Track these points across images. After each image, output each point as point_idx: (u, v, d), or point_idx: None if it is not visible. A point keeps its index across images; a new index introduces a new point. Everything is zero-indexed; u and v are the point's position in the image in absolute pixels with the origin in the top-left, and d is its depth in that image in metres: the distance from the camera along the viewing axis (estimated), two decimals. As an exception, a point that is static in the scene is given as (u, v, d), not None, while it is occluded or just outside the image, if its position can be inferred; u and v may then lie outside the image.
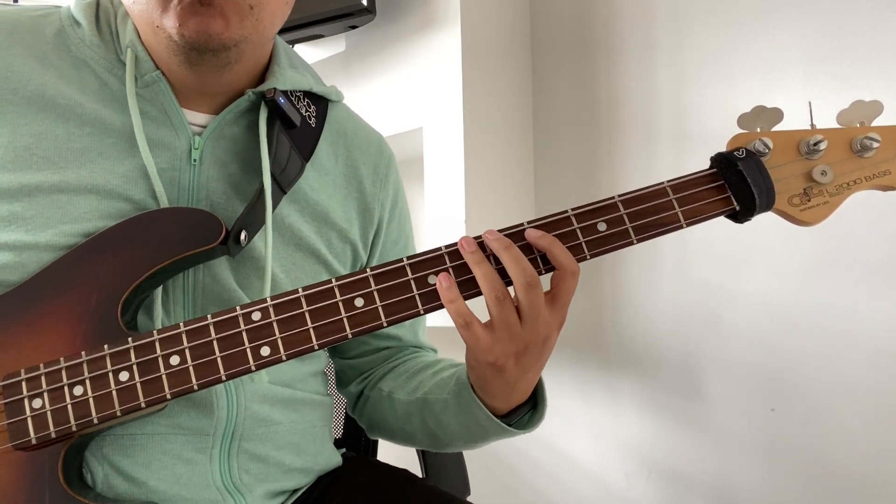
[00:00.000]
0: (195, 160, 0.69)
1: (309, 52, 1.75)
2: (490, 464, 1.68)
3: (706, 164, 0.70)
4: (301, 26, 1.51)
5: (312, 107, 0.79)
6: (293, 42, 1.61)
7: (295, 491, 0.78)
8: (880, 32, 1.10)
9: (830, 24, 1.16)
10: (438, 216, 1.48)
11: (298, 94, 0.78)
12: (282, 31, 1.50)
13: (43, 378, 0.60)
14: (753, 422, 1.25)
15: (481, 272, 0.63)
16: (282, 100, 0.71)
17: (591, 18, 1.50)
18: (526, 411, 0.73)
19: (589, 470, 1.50)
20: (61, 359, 0.60)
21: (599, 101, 1.48)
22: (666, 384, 1.37)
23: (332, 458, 0.83)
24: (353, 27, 1.53)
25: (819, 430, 1.17)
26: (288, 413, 0.75)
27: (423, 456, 1.04)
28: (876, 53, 1.11)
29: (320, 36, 1.57)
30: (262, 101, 0.71)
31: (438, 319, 1.44)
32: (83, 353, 0.60)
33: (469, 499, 1.02)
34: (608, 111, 1.46)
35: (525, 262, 0.63)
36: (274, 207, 0.71)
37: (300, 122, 0.76)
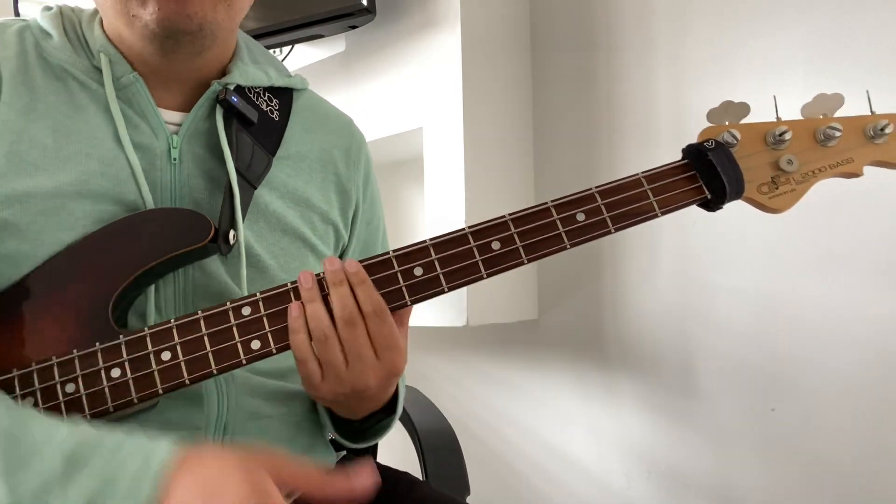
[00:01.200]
0: (175, 159, 0.70)
1: (309, 52, 1.76)
2: (490, 464, 1.68)
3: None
4: (301, 26, 1.51)
5: (275, 100, 0.80)
6: (293, 42, 1.61)
7: (294, 488, 0.78)
8: (880, 32, 1.10)
9: (830, 24, 1.15)
10: (438, 216, 1.48)
11: (258, 89, 0.78)
12: (282, 31, 1.52)
13: (35, 376, 0.60)
14: (752, 421, 1.24)
15: (310, 310, 0.63)
16: (234, 99, 0.72)
17: (591, 18, 1.49)
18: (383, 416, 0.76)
19: (589, 470, 1.49)
20: (53, 357, 0.60)
21: (599, 100, 1.48)
22: (665, 384, 1.36)
23: (326, 454, 0.83)
24: (353, 27, 1.53)
25: (818, 430, 1.16)
26: (279, 406, 0.75)
27: (423, 456, 1.03)
28: (876, 53, 1.10)
29: (320, 36, 1.57)
30: (217, 102, 0.72)
31: (435, 320, 1.44)
32: (74, 350, 0.61)
33: (469, 499, 1.02)
34: (608, 111, 1.46)
35: (348, 300, 0.62)
36: (248, 204, 0.72)
37: (259, 119, 0.76)
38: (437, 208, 1.48)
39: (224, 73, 0.75)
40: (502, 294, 1.49)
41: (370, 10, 1.45)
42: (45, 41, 0.69)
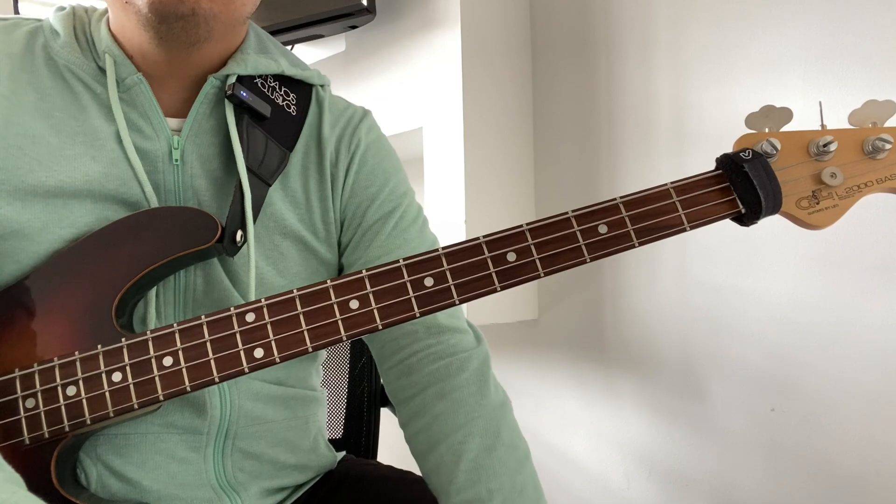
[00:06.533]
0: (177, 160, 0.69)
1: (309, 52, 1.76)
2: (490, 464, 1.68)
3: (706, 163, 0.68)
4: (301, 26, 1.51)
5: (291, 95, 0.77)
6: (293, 42, 1.61)
7: (298, 488, 0.79)
8: (880, 32, 1.10)
9: (830, 24, 1.15)
10: (438, 216, 1.48)
11: (273, 83, 0.76)
12: (282, 31, 1.52)
13: (36, 377, 0.60)
14: (753, 421, 1.24)
15: None
16: (244, 94, 0.70)
17: (591, 18, 1.49)
18: None
19: (589, 470, 1.49)
20: (55, 358, 0.60)
21: (599, 100, 1.48)
22: (666, 384, 1.36)
23: (327, 454, 0.83)
24: (353, 27, 1.53)
25: (819, 430, 1.16)
26: (281, 410, 0.75)
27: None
28: (876, 53, 1.10)
29: (320, 36, 1.58)
30: (226, 98, 0.70)
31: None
32: (76, 352, 0.60)
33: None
34: (608, 111, 1.46)
35: None
36: (262, 202, 0.70)
37: (273, 113, 0.74)
38: (437, 208, 1.48)
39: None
40: (502, 294, 1.49)
41: (370, 10, 1.45)
42: (54, 41, 0.69)
